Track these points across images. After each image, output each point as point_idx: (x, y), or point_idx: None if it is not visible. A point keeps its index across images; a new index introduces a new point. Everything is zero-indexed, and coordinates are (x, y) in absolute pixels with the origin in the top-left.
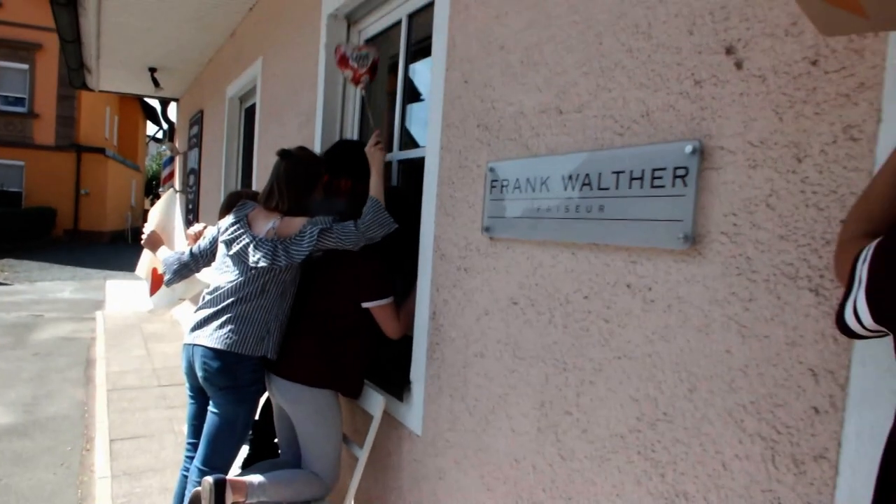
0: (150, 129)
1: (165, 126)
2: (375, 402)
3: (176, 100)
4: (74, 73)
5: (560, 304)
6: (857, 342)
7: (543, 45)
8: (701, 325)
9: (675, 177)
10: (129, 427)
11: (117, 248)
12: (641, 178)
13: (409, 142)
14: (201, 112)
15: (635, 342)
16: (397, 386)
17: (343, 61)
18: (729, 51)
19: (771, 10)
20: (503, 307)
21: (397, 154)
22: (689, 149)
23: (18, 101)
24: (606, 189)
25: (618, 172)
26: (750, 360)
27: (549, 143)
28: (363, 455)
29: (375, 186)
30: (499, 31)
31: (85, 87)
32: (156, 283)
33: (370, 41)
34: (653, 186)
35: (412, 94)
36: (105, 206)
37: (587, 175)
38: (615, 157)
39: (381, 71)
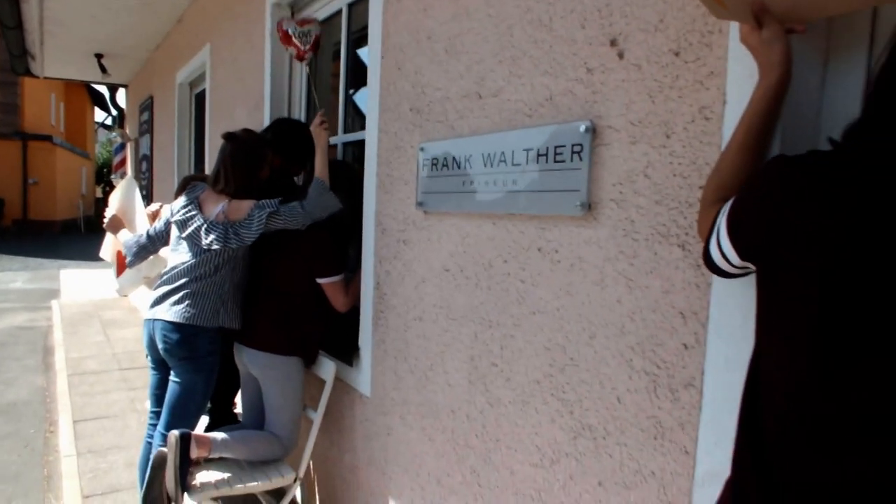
0: (99, 115)
1: (115, 112)
2: (327, 368)
3: (125, 86)
4: (17, 59)
5: (484, 269)
6: (715, 286)
7: (464, 36)
8: (597, 280)
9: (573, 153)
10: (91, 409)
11: (70, 237)
12: (546, 155)
13: (360, 125)
14: (151, 98)
15: (546, 299)
16: (347, 352)
17: (286, 38)
18: (613, 43)
19: (644, 7)
20: (437, 274)
21: (342, 137)
22: (583, 128)
23: None
24: (518, 165)
25: (527, 150)
26: (635, 307)
27: (472, 124)
28: (318, 417)
29: (320, 167)
30: (426, 22)
31: (29, 73)
32: (121, 264)
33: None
34: (555, 161)
35: (358, 80)
36: (55, 194)
37: (503, 153)
38: (525, 136)
39: (326, 54)
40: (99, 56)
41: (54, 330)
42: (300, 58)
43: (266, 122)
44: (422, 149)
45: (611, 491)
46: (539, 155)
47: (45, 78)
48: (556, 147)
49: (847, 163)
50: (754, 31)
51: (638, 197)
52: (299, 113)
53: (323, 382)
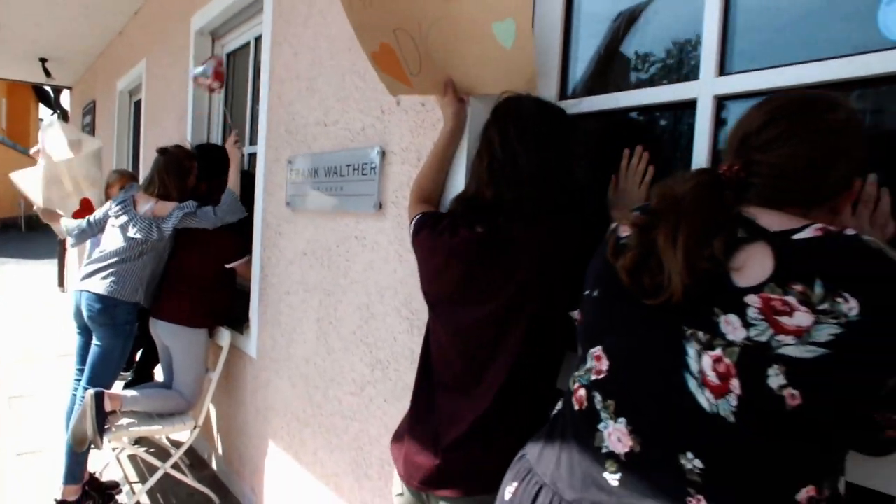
0: (44, 112)
1: (59, 112)
2: (224, 336)
3: (69, 87)
4: None
5: (326, 252)
6: None
7: (317, 79)
8: (385, 257)
9: (371, 168)
10: (26, 389)
11: (8, 235)
12: (358, 169)
13: None
14: (94, 102)
15: (358, 271)
16: (239, 323)
17: (195, 81)
18: (395, 97)
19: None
20: (299, 257)
21: (249, 148)
22: (376, 151)
23: None
24: (344, 176)
25: (348, 165)
26: (404, 275)
27: (320, 145)
28: (215, 377)
29: (234, 179)
30: (295, 64)
31: None
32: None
33: (222, 55)
34: (362, 174)
35: None
36: None
37: (336, 167)
38: (347, 155)
39: (241, 76)
40: (43, 60)
41: None
42: (211, 90)
43: (189, 132)
44: (290, 161)
45: (391, 403)
46: (354, 169)
47: None
48: (362, 164)
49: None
50: (442, 98)
51: (404, 199)
52: (217, 124)
53: (220, 349)
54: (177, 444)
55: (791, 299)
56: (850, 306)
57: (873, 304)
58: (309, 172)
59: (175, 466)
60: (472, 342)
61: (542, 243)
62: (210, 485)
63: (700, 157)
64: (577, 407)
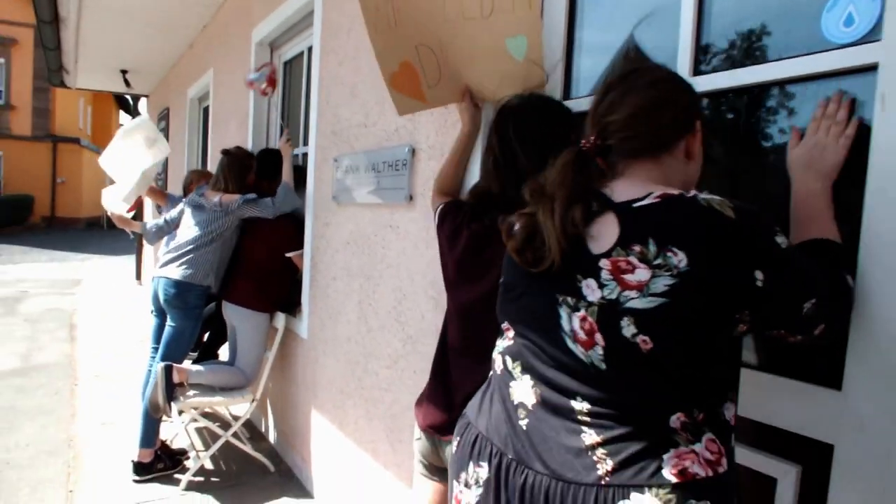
0: (124, 118)
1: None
2: (280, 319)
3: (146, 96)
4: (54, 73)
5: (365, 241)
6: None
7: (359, 84)
8: (415, 243)
9: (403, 164)
10: (108, 370)
11: (93, 233)
12: (392, 165)
13: None
14: (168, 109)
15: (392, 257)
16: (293, 307)
17: (250, 84)
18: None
19: None
20: (343, 246)
21: (301, 148)
22: (407, 149)
23: None
24: (380, 171)
25: (384, 161)
26: (431, 258)
27: (361, 144)
28: (271, 356)
29: (287, 173)
30: (340, 71)
31: (63, 85)
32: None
33: (279, 64)
34: (395, 170)
35: None
36: (81, 193)
37: (374, 163)
38: (384, 153)
39: (297, 83)
40: (124, 72)
41: (78, 311)
42: (264, 93)
43: (250, 135)
44: (335, 159)
45: (420, 375)
46: (388, 165)
47: (77, 89)
48: (395, 161)
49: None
50: (460, 104)
51: (429, 191)
52: (276, 128)
53: (276, 330)
54: (237, 418)
55: (632, 259)
56: (679, 258)
57: (699, 255)
58: (351, 169)
59: (235, 436)
60: (471, 318)
61: None
62: (266, 454)
63: None
64: (498, 371)
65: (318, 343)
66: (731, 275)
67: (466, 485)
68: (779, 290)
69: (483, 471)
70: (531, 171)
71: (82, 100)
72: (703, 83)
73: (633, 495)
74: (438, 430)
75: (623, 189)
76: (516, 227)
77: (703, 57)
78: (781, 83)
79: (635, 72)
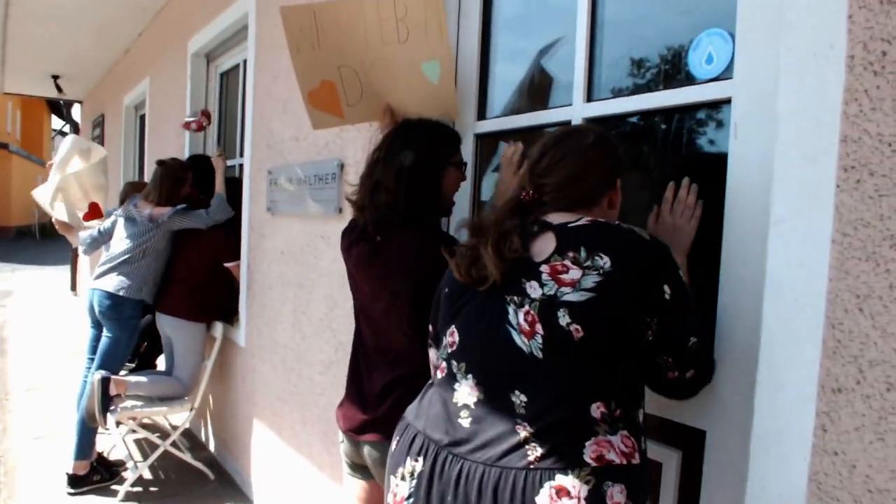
0: (56, 123)
1: (70, 125)
2: (217, 328)
3: (80, 101)
4: None
5: (298, 250)
6: None
7: (291, 100)
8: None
9: (332, 177)
10: (41, 383)
11: (24, 242)
12: (323, 178)
13: None
14: (103, 116)
15: (324, 266)
16: (230, 316)
17: (186, 125)
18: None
19: None
20: (278, 256)
21: (238, 160)
22: (336, 163)
23: None
24: (312, 184)
25: (315, 174)
26: None
27: (294, 157)
28: (210, 365)
29: (220, 185)
30: (273, 87)
31: None
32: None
33: (216, 75)
34: (326, 183)
35: None
36: (10, 200)
37: (305, 176)
38: (315, 166)
39: (234, 94)
40: (55, 77)
41: (8, 324)
42: (200, 127)
43: (186, 145)
44: (269, 171)
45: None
46: (319, 178)
47: (5, 94)
48: (326, 174)
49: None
50: (381, 121)
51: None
52: (213, 138)
53: (215, 339)
54: (176, 427)
55: (567, 262)
56: (605, 261)
57: (619, 259)
58: (284, 181)
59: (174, 445)
60: (377, 327)
61: (402, 250)
62: (205, 462)
63: None
64: (440, 375)
65: (256, 351)
66: (644, 281)
67: (402, 478)
68: (679, 309)
69: (419, 465)
70: (393, 191)
71: (10, 103)
72: (594, 109)
73: (558, 476)
74: (356, 431)
75: (557, 217)
76: (460, 253)
77: (594, 86)
78: (657, 112)
79: (569, 136)
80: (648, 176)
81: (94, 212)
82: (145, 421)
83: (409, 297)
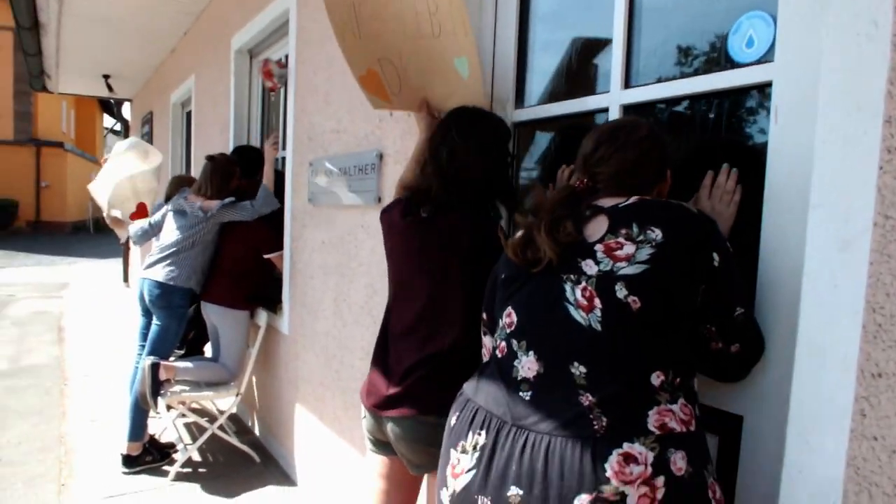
0: (108, 121)
1: (121, 122)
2: (262, 317)
3: (129, 100)
4: (35, 78)
5: (339, 239)
6: None
7: (332, 92)
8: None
9: (371, 168)
10: (97, 370)
11: (79, 237)
12: (362, 169)
13: None
14: (151, 113)
15: (364, 255)
16: (274, 304)
17: (268, 75)
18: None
19: None
20: (319, 246)
21: (280, 153)
22: (376, 154)
23: None
24: (351, 175)
25: (355, 165)
26: None
27: (334, 149)
28: (254, 352)
29: (267, 176)
30: (314, 79)
31: (45, 90)
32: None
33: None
34: (365, 173)
35: None
36: (65, 197)
37: (345, 167)
38: (354, 157)
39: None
40: (106, 77)
41: (65, 314)
42: (273, 90)
43: (231, 140)
44: (311, 164)
45: None
46: (359, 169)
47: (60, 94)
48: (365, 164)
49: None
50: (418, 113)
51: (392, 191)
52: (256, 133)
53: (259, 328)
54: (223, 412)
55: (621, 239)
56: (656, 234)
57: (670, 230)
58: (325, 173)
59: (221, 429)
60: (414, 305)
61: (457, 228)
62: (251, 445)
63: None
64: (500, 355)
65: (299, 338)
66: (695, 250)
67: (464, 451)
68: (726, 277)
69: (481, 438)
70: (451, 172)
71: (65, 103)
72: (632, 96)
73: (625, 444)
74: (379, 407)
75: (608, 201)
76: (517, 234)
77: (631, 72)
78: (696, 97)
79: (622, 128)
80: (687, 163)
81: (140, 212)
82: (194, 406)
83: (460, 273)
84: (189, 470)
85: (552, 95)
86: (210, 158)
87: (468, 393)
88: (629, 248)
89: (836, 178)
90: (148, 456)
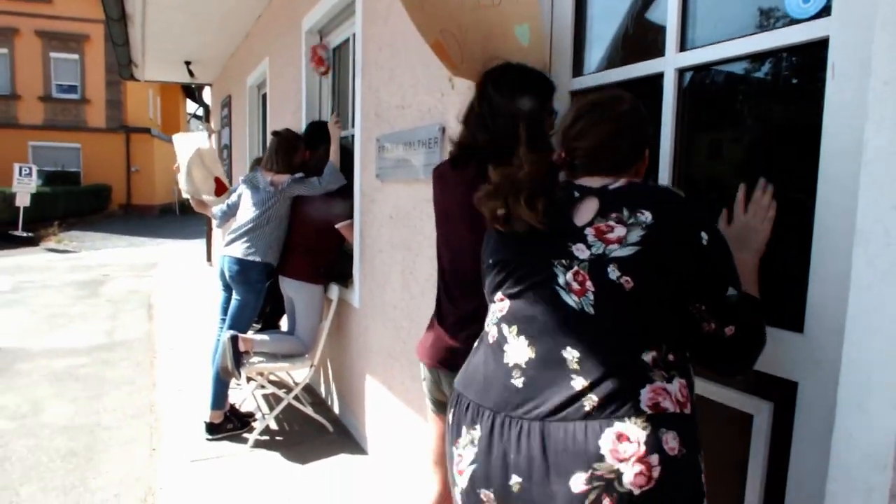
0: (191, 106)
1: (202, 106)
2: (334, 291)
3: (209, 84)
4: (124, 67)
5: (405, 214)
6: None
7: (396, 69)
8: None
9: (435, 142)
10: (182, 344)
11: (166, 219)
12: (426, 143)
13: None
14: (229, 96)
15: (430, 229)
16: (345, 279)
17: (320, 61)
18: (449, 79)
19: None
20: (386, 220)
21: (349, 130)
22: (438, 128)
23: (71, 89)
24: (416, 149)
25: (419, 140)
26: None
27: (400, 124)
28: (327, 325)
29: (333, 153)
30: (379, 57)
31: (132, 78)
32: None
33: (329, 51)
34: (429, 147)
35: None
36: (153, 181)
37: (411, 141)
38: (419, 132)
39: (345, 68)
40: (187, 63)
41: (155, 292)
42: (325, 74)
43: (303, 119)
44: (377, 139)
45: None
46: (422, 143)
47: (146, 81)
48: (429, 139)
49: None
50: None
51: None
52: (326, 112)
53: (331, 301)
54: (298, 383)
55: (611, 222)
56: (646, 216)
57: (660, 213)
58: (391, 148)
59: (296, 399)
60: (457, 256)
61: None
62: (324, 415)
63: (667, 118)
64: (490, 340)
65: (368, 311)
66: (684, 231)
67: (463, 447)
68: (716, 256)
69: (476, 432)
70: (496, 125)
71: (151, 91)
72: (688, 59)
73: (616, 423)
74: (436, 362)
75: (594, 181)
76: (498, 212)
77: (687, 35)
78: (752, 57)
79: (603, 102)
80: (744, 125)
81: (221, 187)
82: (271, 377)
83: None
84: (267, 438)
85: (609, 62)
86: (275, 134)
87: (459, 387)
88: (620, 231)
89: (890, 132)
90: (229, 424)
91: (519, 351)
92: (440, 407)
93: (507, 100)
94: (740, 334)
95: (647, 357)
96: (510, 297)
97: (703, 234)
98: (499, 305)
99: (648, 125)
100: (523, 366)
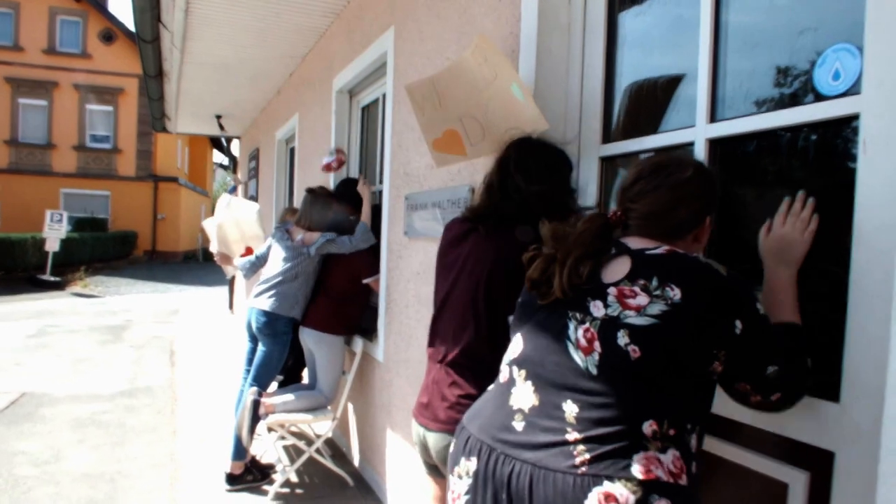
0: (217, 156)
1: (232, 154)
2: (358, 344)
3: (238, 137)
4: (157, 120)
5: (432, 270)
6: None
7: None
8: None
9: (464, 201)
10: (204, 392)
11: (189, 266)
12: (455, 203)
13: None
14: (258, 149)
15: None
16: (370, 332)
17: (327, 167)
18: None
19: None
20: (413, 276)
21: (379, 186)
22: (468, 188)
23: (104, 139)
24: (445, 209)
25: (448, 199)
26: None
27: (429, 184)
28: (350, 378)
29: (365, 213)
30: (410, 118)
31: (165, 130)
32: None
33: (357, 110)
34: (458, 207)
35: None
36: (178, 228)
37: (439, 201)
38: (448, 191)
39: (375, 125)
40: (218, 117)
41: (177, 339)
42: (329, 168)
43: (332, 176)
44: (406, 197)
45: None
46: (452, 203)
47: (177, 133)
48: (458, 198)
49: None
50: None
51: None
52: (354, 168)
53: (354, 354)
54: (320, 436)
55: (636, 288)
56: (675, 293)
57: (690, 292)
58: (419, 206)
59: (318, 452)
60: (452, 320)
61: (496, 247)
62: (346, 470)
63: None
64: (502, 380)
65: (392, 366)
66: (715, 317)
67: (459, 476)
68: (752, 342)
69: (472, 464)
70: (520, 193)
71: (180, 141)
72: (718, 130)
73: (605, 483)
74: (421, 417)
75: (637, 242)
76: (536, 262)
77: (717, 106)
78: (782, 130)
79: (666, 166)
80: (774, 195)
81: (248, 252)
82: (293, 429)
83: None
84: (287, 490)
85: (638, 130)
86: (310, 191)
87: (464, 420)
88: (642, 300)
89: None
90: (249, 475)
91: (524, 396)
92: (431, 469)
93: (525, 175)
94: (787, 396)
95: (646, 428)
96: (525, 340)
97: (738, 323)
98: (514, 346)
99: (714, 192)
100: (526, 411)
